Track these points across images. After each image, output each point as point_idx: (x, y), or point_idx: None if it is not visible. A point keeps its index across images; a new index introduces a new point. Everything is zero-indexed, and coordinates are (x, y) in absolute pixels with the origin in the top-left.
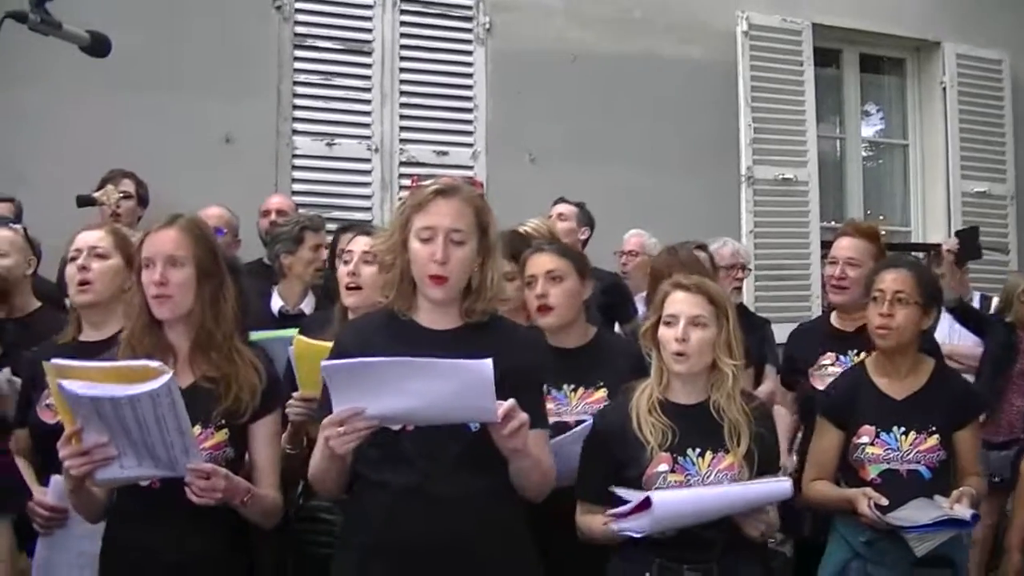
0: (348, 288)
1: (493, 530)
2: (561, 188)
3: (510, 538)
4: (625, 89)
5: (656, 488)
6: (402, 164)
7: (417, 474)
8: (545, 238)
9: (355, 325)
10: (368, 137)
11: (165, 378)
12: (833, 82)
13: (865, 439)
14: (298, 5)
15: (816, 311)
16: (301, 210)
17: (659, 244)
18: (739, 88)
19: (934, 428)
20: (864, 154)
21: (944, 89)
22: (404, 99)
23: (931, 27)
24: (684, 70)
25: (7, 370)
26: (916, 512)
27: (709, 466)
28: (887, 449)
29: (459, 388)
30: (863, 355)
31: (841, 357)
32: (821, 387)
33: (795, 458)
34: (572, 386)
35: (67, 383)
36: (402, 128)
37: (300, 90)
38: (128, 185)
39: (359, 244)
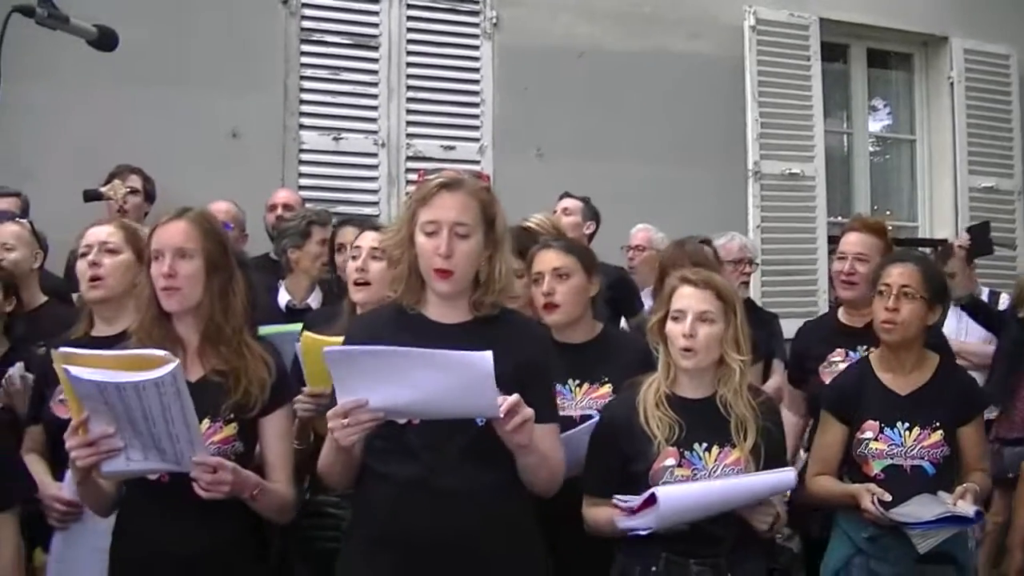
0: (356, 284)
1: (499, 525)
2: (568, 183)
3: (516, 533)
4: (632, 84)
5: (663, 482)
6: (409, 159)
7: (421, 467)
8: (551, 233)
9: (364, 319)
10: (375, 132)
11: (170, 367)
12: (840, 77)
13: (869, 434)
14: (305, 0)
15: (823, 306)
16: (308, 205)
17: (666, 239)
18: (746, 83)
19: (938, 424)
20: (871, 149)
21: (952, 84)
22: (411, 94)
23: (939, 22)
24: (691, 65)
25: (20, 365)
26: (919, 508)
27: (716, 460)
28: (891, 444)
29: (459, 380)
30: (872, 351)
31: (851, 353)
32: None
33: (803, 455)
34: (577, 381)
35: (73, 369)
36: (409, 123)
37: (307, 84)
38: (135, 181)
39: (367, 240)
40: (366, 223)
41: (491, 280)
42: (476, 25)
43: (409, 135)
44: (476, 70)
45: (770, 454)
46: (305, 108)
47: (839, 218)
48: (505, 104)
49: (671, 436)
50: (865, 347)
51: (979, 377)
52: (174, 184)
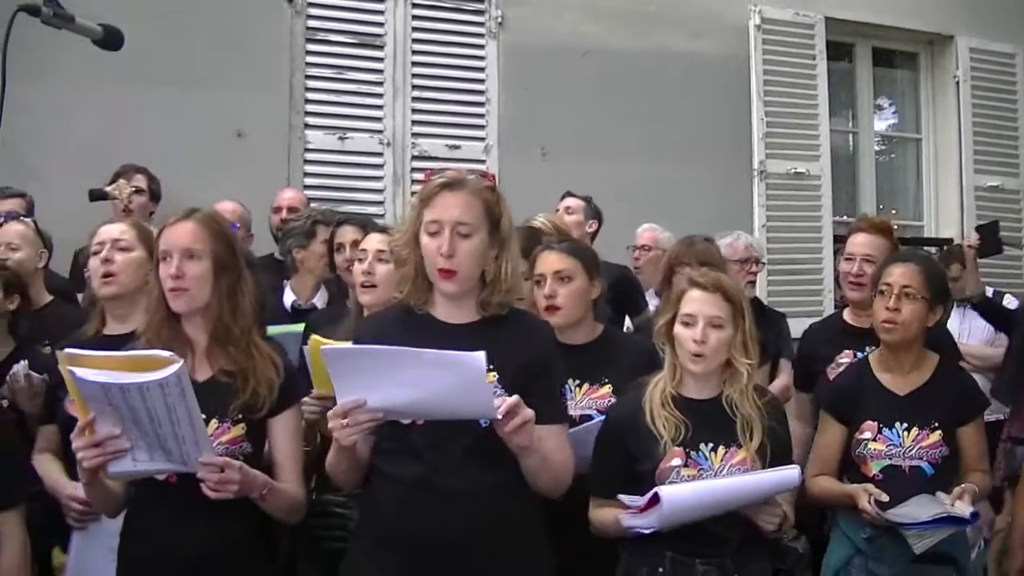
0: (363, 286)
1: (503, 525)
2: (573, 182)
3: (521, 533)
4: (637, 83)
5: (669, 482)
6: (414, 158)
7: (425, 467)
8: (555, 234)
9: (373, 320)
10: (380, 131)
11: (175, 367)
12: (846, 76)
13: (867, 435)
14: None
15: (828, 305)
16: (313, 204)
17: (672, 238)
18: (752, 82)
19: (936, 424)
20: (877, 148)
21: (957, 83)
22: (416, 93)
23: (944, 21)
24: (696, 64)
25: (24, 363)
26: (917, 509)
27: (722, 460)
28: (889, 445)
29: (453, 381)
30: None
31: (859, 354)
32: None
33: None
34: (577, 382)
35: (78, 370)
36: (414, 122)
37: (312, 84)
38: (140, 180)
39: (373, 243)
40: (366, 223)
41: (498, 280)
42: (481, 24)
43: (414, 134)
44: (481, 69)
45: (776, 454)
46: (310, 107)
47: (844, 217)
48: (510, 103)
49: (677, 436)
50: (873, 348)
51: (981, 379)
52: (179, 184)
